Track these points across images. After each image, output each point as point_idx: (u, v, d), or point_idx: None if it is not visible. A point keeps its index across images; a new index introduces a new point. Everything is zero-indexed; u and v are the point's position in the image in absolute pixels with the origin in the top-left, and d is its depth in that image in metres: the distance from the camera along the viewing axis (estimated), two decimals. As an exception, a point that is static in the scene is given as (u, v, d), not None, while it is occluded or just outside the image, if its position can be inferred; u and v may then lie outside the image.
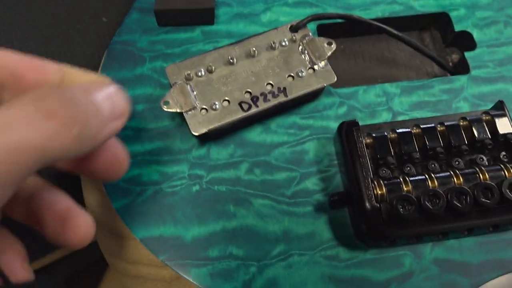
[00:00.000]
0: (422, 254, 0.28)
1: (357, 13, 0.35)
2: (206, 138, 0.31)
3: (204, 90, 0.30)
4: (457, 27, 0.35)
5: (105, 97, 0.22)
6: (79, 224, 0.23)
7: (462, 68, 0.35)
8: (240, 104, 0.30)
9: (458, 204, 0.26)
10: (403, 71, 0.36)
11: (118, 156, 0.26)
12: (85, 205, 0.32)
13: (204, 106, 0.30)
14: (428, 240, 0.28)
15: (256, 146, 0.31)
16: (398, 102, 0.32)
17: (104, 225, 0.30)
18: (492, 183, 0.26)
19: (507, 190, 0.26)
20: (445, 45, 0.37)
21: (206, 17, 0.35)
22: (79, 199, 0.27)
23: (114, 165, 0.26)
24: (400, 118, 0.32)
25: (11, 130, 0.17)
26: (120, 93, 0.23)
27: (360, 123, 0.29)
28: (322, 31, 0.35)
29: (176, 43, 0.34)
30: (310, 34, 0.32)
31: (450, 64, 0.36)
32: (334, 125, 0.31)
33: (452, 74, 0.35)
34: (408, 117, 0.32)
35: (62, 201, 0.24)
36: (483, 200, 0.26)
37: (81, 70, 0.24)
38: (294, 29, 0.32)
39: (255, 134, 0.31)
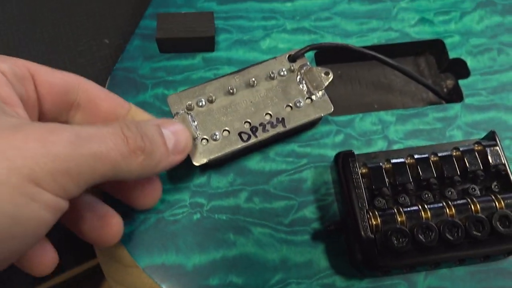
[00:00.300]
0: (416, 284, 0.29)
1: (354, 40, 0.36)
2: (206, 167, 0.32)
3: (205, 121, 0.31)
4: (451, 54, 0.36)
5: (171, 133, 0.26)
6: (113, 223, 0.27)
7: (456, 95, 0.36)
8: (239, 134, 0.31)
9: (450, 237, 0.27)
10: (399, 97, 0.37)
11: (155, 187, 0.29)
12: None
13: (205, 137, 0.31)
14: (421, 270, 0.29)
15: (255, 175, 0.32)
16: (394, 131, 0.33)
17: (107, 251, 0.31)
18: (483, 216, 0.27)
19: (498, 223, 0.27)
20: (440, 71, 0.38)
21: (207, 44, 0.35)
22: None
23: (149, 195, 0.29)
24: (395, 147, 0.33)
25: (102, 142, 0.22)
26: (185, 132, 0.27)
27: (356, 152, 0.30)
28: (320, 57, 0.36)
29: (177, 70, 0.35)
30: (308, 63, 0.33)
31: (445, 90, 0.37)
32: (331, 153, 0.32)
33: (447, 100, 0.36)
34: (403, 145, 0.33)
35: (100, 203, 0.27)
36: (475, 233, 0.27)
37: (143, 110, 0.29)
38: (292, 58, 0.33)
39: (254, 163, 0.32)
